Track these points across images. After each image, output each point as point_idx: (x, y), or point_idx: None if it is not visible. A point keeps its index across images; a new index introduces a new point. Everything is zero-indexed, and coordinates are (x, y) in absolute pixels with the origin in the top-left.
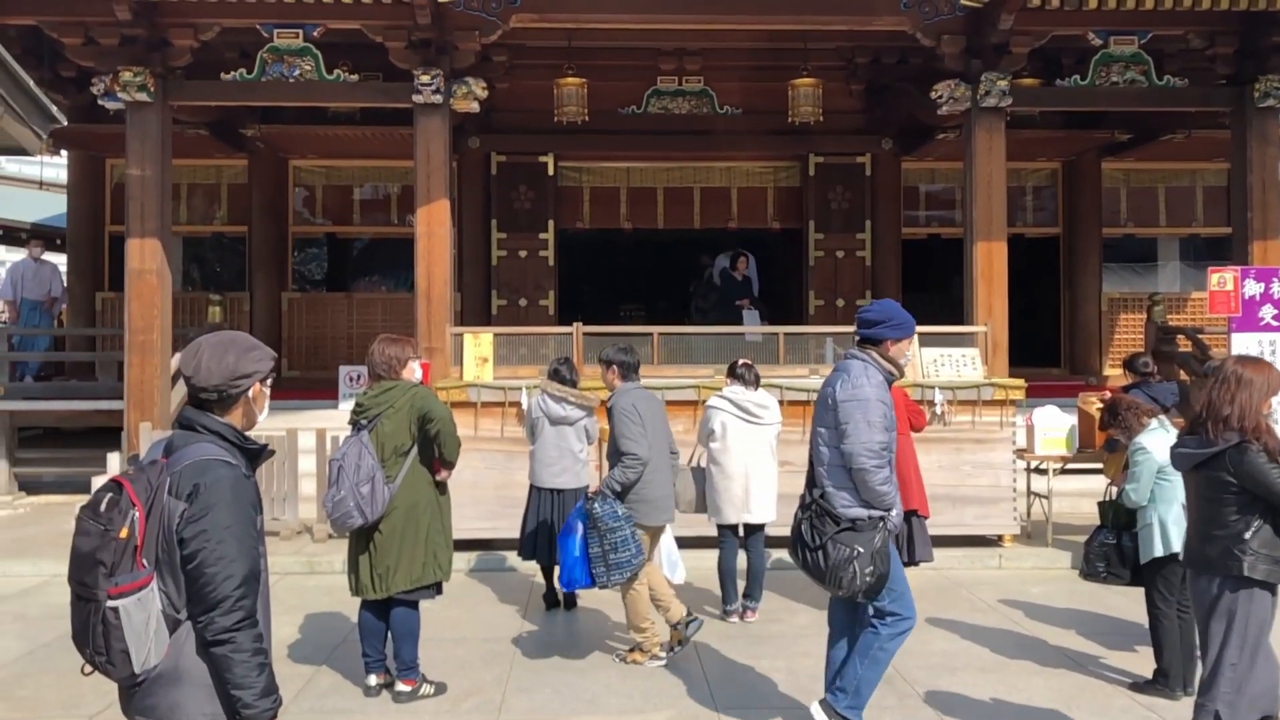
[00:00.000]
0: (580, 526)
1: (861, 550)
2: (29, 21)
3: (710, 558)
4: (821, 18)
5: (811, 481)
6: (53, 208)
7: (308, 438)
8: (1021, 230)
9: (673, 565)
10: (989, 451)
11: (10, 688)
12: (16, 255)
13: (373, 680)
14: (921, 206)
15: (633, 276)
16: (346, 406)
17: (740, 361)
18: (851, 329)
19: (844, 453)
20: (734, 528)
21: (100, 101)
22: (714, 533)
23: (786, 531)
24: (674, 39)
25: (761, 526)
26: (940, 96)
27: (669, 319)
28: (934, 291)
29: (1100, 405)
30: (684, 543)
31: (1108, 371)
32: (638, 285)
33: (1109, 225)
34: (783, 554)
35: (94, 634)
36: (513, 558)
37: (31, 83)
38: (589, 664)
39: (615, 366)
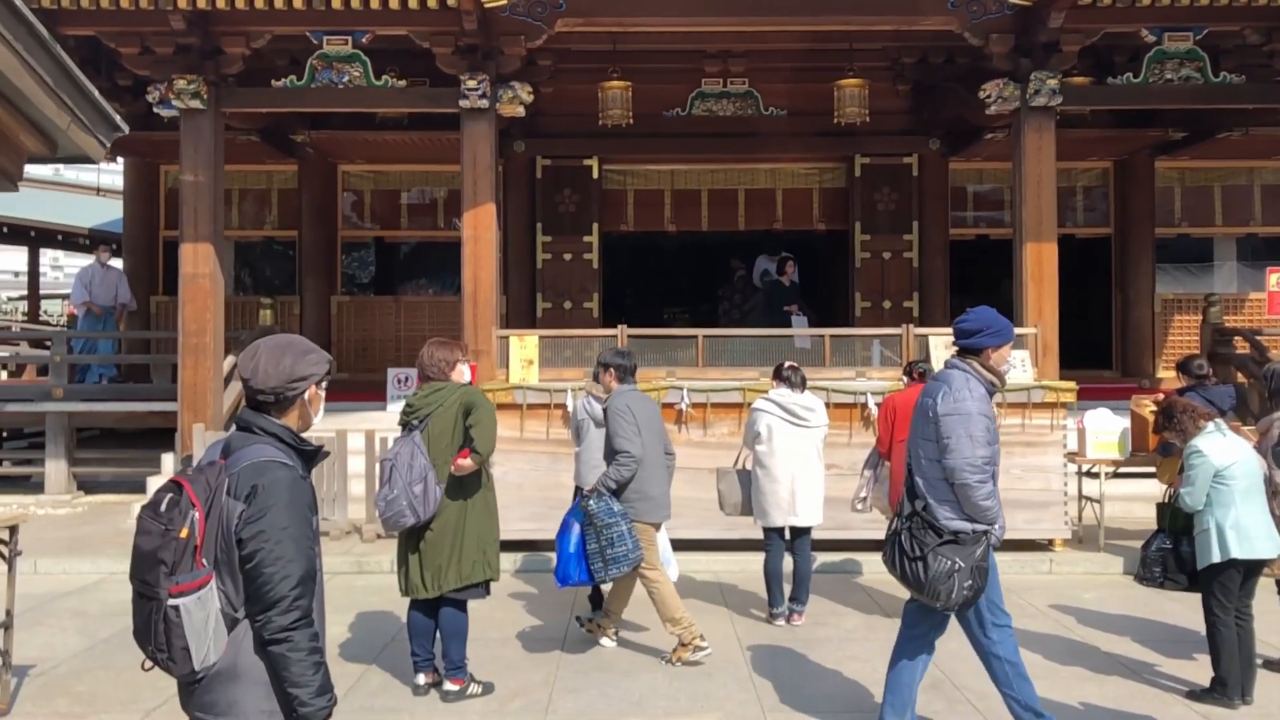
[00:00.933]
0: (576, 525)
1: (962, 564)
2: (88, 32)
3: (756, 561)
4: (867, 18)
5: (912, 492)
6: (109, 213)
7: (357, 439)
8: (1072, 231)
9: (666, 562)
10: (1040, 455)
11: (69, 682)
12: (76, 260)
13: (421, 679)
14: (969, 207)
15: (676, 279)
16: (395, 408)
17: (786, 364)
18: (898, 331)
19: (946, 467)
20: (780, 531)
21: (155, 109)
22: (760, 536)
23: (831, 535)
24: (718, 41)
25: (808, 529)
26: (988, 96)
27: (713, 321)
28: (982, 293)
29: (1154, 408)
30: (729, 545)
31: (1161, 374)
32: (681, 288)
33: (1162, 225)
34: (829, 557)
35: (155, 631)
36: None
37: (96, 93)
38: (635, 665)
39: (612, 369)
